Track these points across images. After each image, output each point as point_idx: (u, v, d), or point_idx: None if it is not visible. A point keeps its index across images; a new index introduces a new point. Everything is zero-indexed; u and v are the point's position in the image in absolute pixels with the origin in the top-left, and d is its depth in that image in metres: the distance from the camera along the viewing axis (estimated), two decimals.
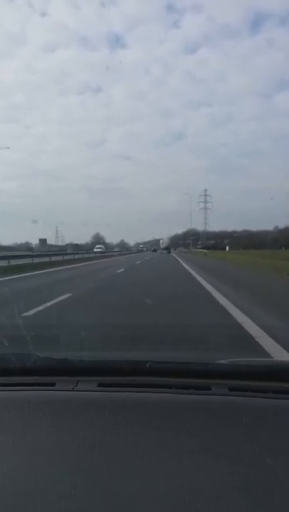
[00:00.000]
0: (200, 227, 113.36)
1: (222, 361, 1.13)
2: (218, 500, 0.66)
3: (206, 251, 55.05)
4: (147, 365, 1.08)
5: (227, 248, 70.06)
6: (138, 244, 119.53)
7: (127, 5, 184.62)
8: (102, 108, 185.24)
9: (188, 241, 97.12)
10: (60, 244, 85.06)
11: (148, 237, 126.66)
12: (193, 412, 0.92)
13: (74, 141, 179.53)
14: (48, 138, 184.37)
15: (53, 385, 1.07)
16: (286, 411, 0.94)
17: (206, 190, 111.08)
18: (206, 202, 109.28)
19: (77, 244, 77.83)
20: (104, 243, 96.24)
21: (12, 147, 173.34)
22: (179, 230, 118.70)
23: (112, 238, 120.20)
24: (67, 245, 71.00)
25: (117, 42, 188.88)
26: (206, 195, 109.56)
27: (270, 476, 0.71)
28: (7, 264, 21.00)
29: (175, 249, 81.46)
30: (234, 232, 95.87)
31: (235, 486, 0.69)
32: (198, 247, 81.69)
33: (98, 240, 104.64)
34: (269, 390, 0.99)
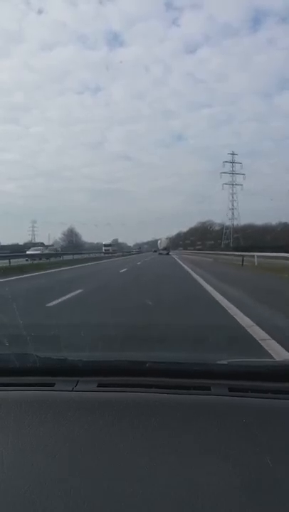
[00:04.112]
0: (217, 220, 76.31)
1: (222, 361, 1.13)
2: (218, 500, 0.66)
3: None
4: (147, 365, 1.08)
5: None
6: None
7: (125, 2, 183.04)
8: (102, 108, 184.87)
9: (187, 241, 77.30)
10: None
11: (148, 238, 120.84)
12: (193, 412, 0.92)
13: (74, 142, 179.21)
14: (48, 138, 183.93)
15: (52, 385, 1.07)
16: (286, 411, 0.94)
17: (233, 152, 69.16)
18: (233, 173, 68.07)
19: (43, 244, 60.67)
20: (75, 242, 72.06)
21: (10, 148, 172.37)
22: (185, 228, 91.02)
23: (109, 238, 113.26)
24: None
25: (115, 40, 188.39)
26: (233, 162, 68.39)
27: (270, 476, 0.71)
28: None
29: (166, 252, 59.22)
30: (267, 225, 61.27)
31: (235, 486, 0.69)
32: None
33: (71, 237, 77.73)
34: (269, 390, 0.99)
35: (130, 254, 59.30)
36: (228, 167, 70.16)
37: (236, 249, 40.77)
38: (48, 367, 1.12)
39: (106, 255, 49.96)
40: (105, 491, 0.69)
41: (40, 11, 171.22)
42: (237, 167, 69.93)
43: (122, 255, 53.37)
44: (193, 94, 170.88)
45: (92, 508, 0.65)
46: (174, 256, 42.18)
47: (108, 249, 62.12)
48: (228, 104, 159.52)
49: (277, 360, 2.78)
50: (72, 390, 1.04)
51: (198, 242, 73.22)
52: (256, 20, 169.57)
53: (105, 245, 68.24)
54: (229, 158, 69.96)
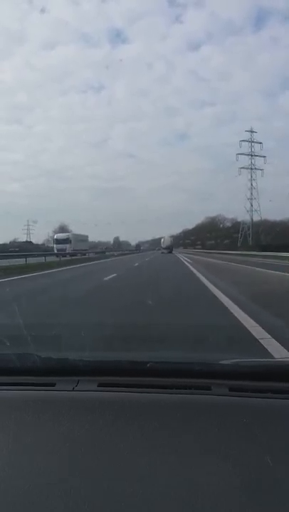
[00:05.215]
0: (229, 215, 65.94)
1: (222, 361, 1.13)
2: (218, 500, 0.66)
3: None
4: (148, 365, 1.08)
5: None
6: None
7: None
8: (105, 106, 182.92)
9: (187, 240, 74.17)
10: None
11: (152, 236, 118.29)
12: (194, 412, 0.92)
13: (77, 140, 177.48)
14: (51, 137, 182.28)
15: (53, 385, 1.07)
16: (286, 411, 0.94)
17: (252, 130, 56.49)
18: (252, 155, 55.84)
19: (31, 242, 57.12)
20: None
21: (14, 147, 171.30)
22: (191, 225, 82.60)
23: (111, 237, 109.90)
24: None
25: (118, 37, 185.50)
26: (252, 141, 55.88)
27: (270, 476, 0.71)
28: None
29: (168, 251, 51.49)
30: (283, 221, 52.91)
31: (235, 486, 0.69)
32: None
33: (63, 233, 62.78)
34: (269, 390, 0.99)
35: (114, 256, 38.31)
36: (245, 148, 56.55)
37: (265, 248, 32.03)
38: (49, 367, 1.12)
39: (59, 257, 27.37)
40: (105, 491, 0.69)
41: (42, 10, 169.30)
42: (256, 148, 57.16)
43: (95, 257, 33.54)
44: (196, 92, 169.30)
45: (92, 508, 0.65)
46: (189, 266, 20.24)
47: (63, 248, 36.10)
48: (231, 103, 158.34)
49: (277, 360, 2.77)
50: (72, 390, 1.04)
51: (198, 242, 68.97)
52: (259, 17, 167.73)
53: (58, 241, 39.98)
54: (247, 136, 57.74)
